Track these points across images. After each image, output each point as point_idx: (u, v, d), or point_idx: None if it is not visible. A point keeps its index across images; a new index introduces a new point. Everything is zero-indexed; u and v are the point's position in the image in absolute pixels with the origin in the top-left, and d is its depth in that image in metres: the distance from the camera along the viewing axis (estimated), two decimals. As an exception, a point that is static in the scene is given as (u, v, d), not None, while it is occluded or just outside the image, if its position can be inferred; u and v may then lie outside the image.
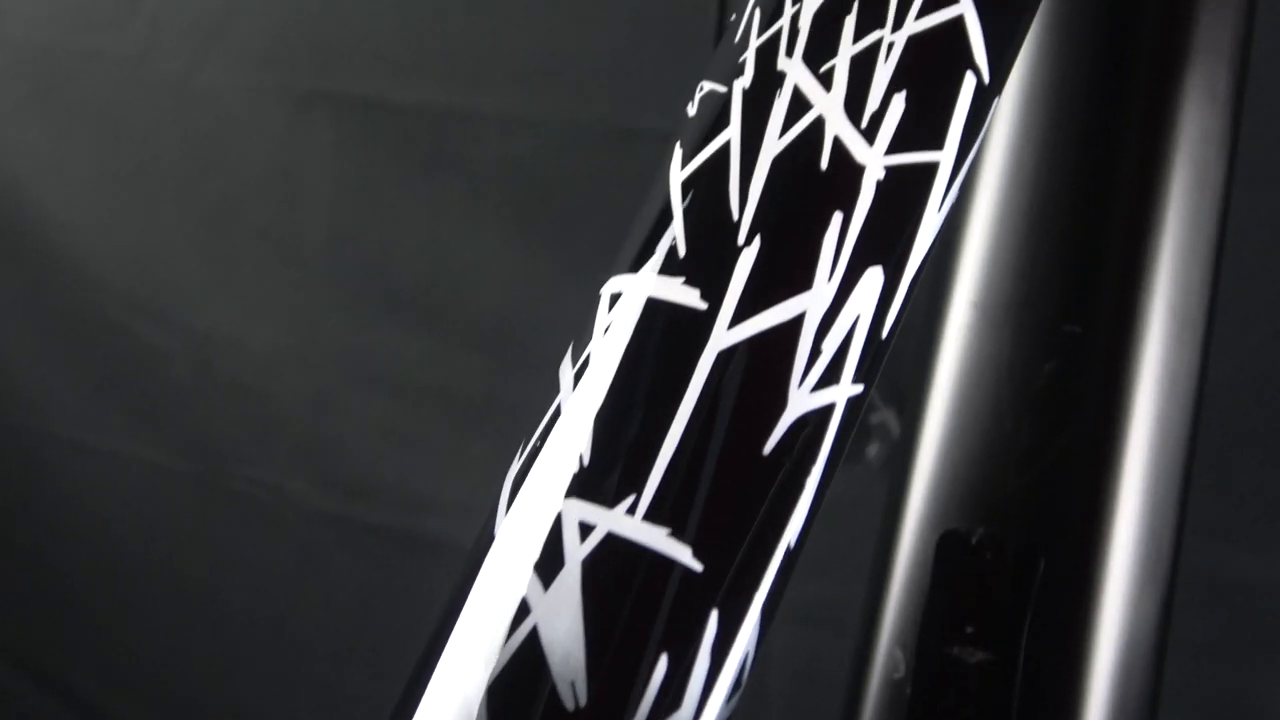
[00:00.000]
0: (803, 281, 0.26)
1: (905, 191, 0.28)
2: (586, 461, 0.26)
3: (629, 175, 1.19)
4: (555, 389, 0.29)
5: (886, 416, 0.88)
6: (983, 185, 0.44)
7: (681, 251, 0.28)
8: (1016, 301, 0.43)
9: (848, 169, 0.27)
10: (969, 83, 0.28)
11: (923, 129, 0.28)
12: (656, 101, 1.08)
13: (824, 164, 0.27)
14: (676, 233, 0.28)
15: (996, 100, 0.29)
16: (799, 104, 0.28)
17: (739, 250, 0.27)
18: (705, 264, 0.27)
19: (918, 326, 0.46)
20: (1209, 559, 0.91)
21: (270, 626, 1.44)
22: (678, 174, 0.29)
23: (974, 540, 0.41)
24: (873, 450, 0.96)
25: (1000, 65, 0.29)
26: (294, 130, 1.30)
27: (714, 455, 0.26)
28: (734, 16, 0.33)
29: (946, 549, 0.41)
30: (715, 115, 0.30)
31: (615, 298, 0.28)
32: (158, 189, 1.40)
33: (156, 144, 1.39)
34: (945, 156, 0.28)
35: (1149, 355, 0.41)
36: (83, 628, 1.55)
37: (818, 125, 0.28)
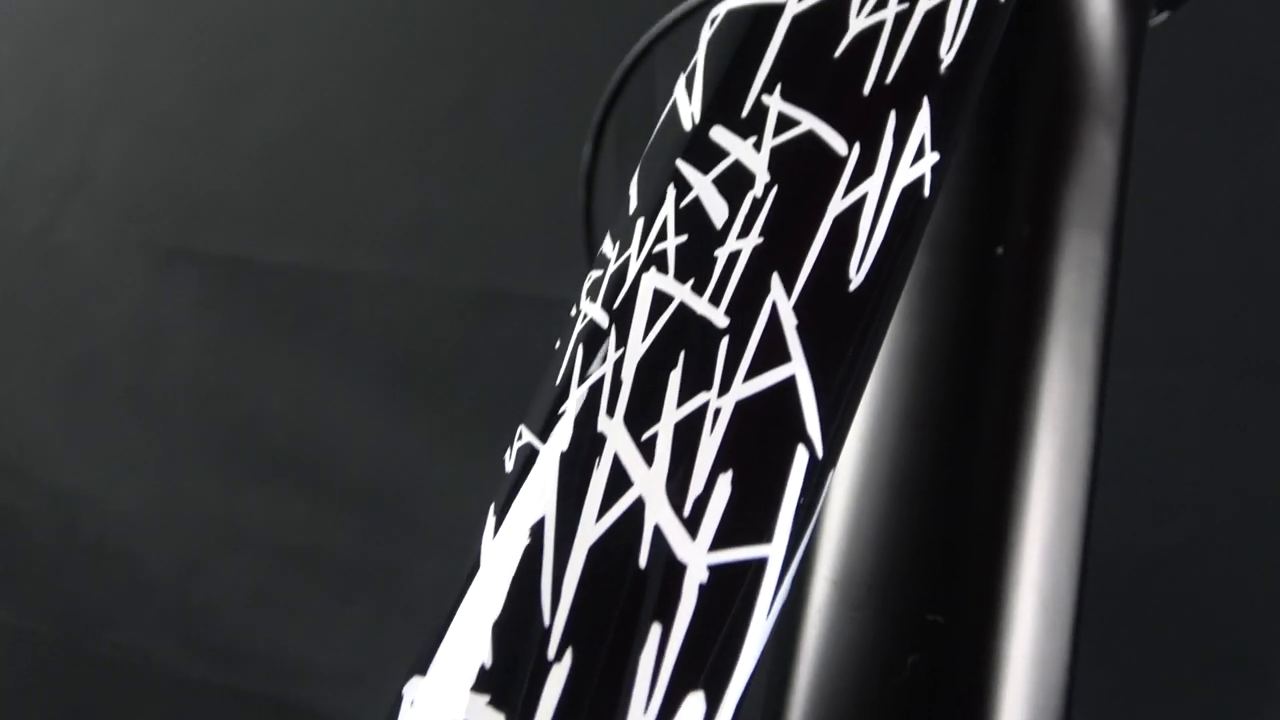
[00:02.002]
0: (617, 713, 0.24)
1: (730, 597, 0.25)
2: None
3: (501, 337, 1.18)
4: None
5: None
6: (843, 456, 0.42)
7: (488, 661, 0.25)
8: (877, 583, 0.40)
9: (669, 569, 0.25)
10: (800, 459, 0.26)
11: (750, 518, 0.25)
12: (528, 265, 1.06)
13: (643, 561, 0.25)
14: (484, 638, 0.25)
15: (831, 475, 0.27)
16: (619, 479, 0.26)
17: (549, 666, 0.24)
18: (513, 681, 0.24)
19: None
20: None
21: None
22: (490, 544, 0.27)
23: None
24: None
25: (835, 436, 0.27)
26: (157, 288, 1.27)
27: None
28: (558, 343, 0.31)
29: None
30: (532, 480, 0.27)
31: (416, 706, 0.25)
32: (16, 345, 1.36)
33: (14, 299, 1.35)
34: (774, 550, 0.25)
35: (1017, 647, 0.39)
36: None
37: (637, 510, 0.25)
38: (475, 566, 0.27)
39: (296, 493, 1.24)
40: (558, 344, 0.30)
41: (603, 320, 0.28)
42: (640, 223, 0.30)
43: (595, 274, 0.30)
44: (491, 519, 0.27)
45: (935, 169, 0.30)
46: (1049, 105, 0.43)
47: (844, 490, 0.41)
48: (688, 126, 0.31)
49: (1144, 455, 0.90)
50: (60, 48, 1.33)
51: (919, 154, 0.29)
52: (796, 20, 0.31)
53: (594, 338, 0.28)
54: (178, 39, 1.28)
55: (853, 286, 0.28)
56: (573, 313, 0.30)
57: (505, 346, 1.11)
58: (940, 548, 0.40)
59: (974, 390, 0.41)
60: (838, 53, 0.30)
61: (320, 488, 1.24)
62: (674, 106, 0.32)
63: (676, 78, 0.34)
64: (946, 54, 0.31)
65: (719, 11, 0.33)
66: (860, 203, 0.28)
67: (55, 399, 1.34)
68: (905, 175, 0.29)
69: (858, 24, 0.30)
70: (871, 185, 0.29)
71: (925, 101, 0.30)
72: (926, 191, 0.30)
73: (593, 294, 0.30)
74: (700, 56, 0.33)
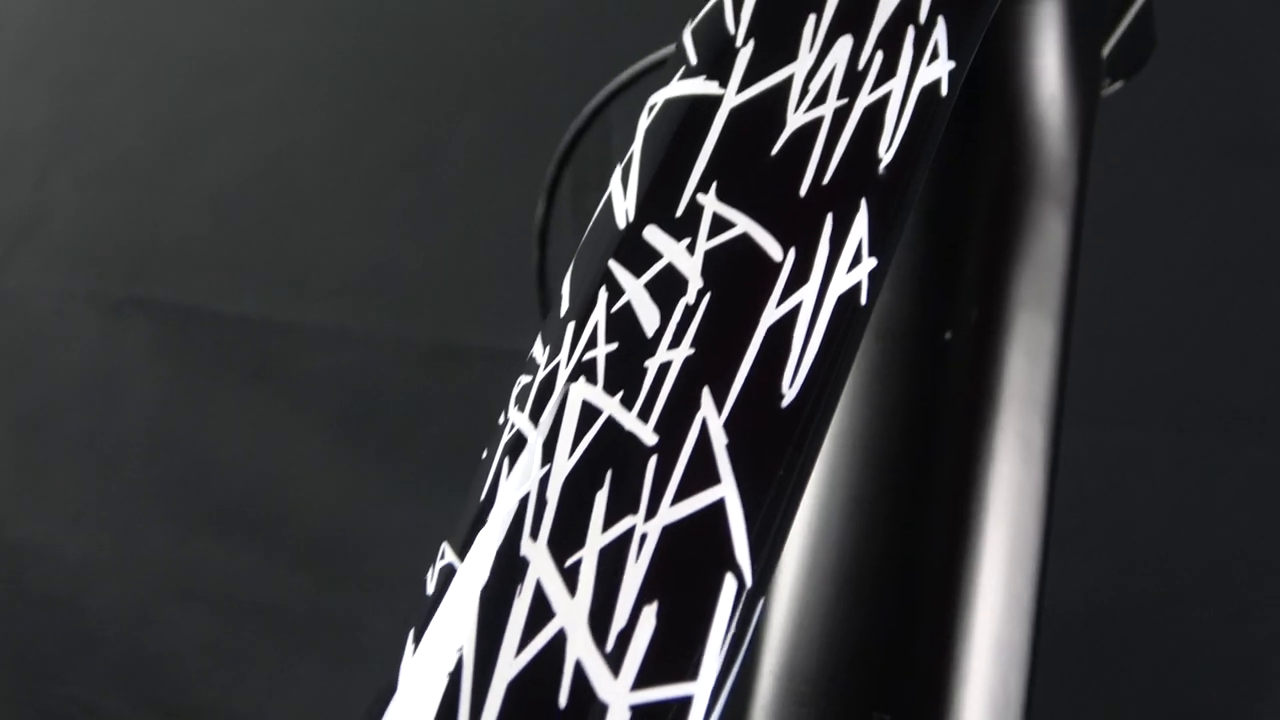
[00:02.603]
0: None
1: None
2: None
3: (455, 391, 1.17)
4: None
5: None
6: (789, 544, 0.41)
7: None
8: (823, 679, 0.39)
9: (590, 709, 0.23)
10: (729, 588, 0.25)
11: (675, 654, 0.24)
12: (483, 318, 1.05)
13: (563, 700, 0.23)
14: None
15: (762, 602, 0.26)
16: (541, 609, 0.24)
17: None
18: None
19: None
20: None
21: None
22: (407, 671, 0.25)
23: None
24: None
25: (765, 562, 0.26)
26: (109, 337, 1.25)
27: None
28: (484, 453, 0.29)
29: None
30: (451, 606, 0.26)
31: None
32: (-36, 394, 1.34)
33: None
34: (700, 689, 0.24)
35: (965, 745, 0.38)
36: None
37: (559, 643, 0.24)
38: (391, 692, 0.25)
39: (249, 544, 1.23)
40: (484, 453, 0.29)
41: (529, 432, 0.27)
42: (571, 327, 0.29)
43: (524, 380, 0.29)
44: (410, 643, 0.26)
45: (873, 275, 0.29)
46: (997, 186, 0.42)
47: (789, 582, 0.40)
48: (621, 224, 0.30)
49: (1104, 513, 0.90)
50: (12, 92, 1.32)
51: (855, 260, 0.28)
52: (734, 113, 0.30)
53: (519, 450, 0.27)
54: (131, 85, 1.27)
55: (785, 402, 0.27)
56: (500, 420, 0.29)
57: (459, 399, 1.10)
58: (887, 642, 0.39)
59: (921, 479, 0.40)
60: (774, 150, 0.29)
61: (273, 539, 1.22)
62: (609, 201, 0.31)
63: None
64: (886, 153, 0.30)
65: (656, 100, 0.32)
66: (794, 312, 0.27)
67: (3, 448, 1.33)
68: (841, 283, 0.28)
69: (795, 120, 0.29)
70: (806, 294, 0.27)
71: (863, 204, 0.29)
72: (863, 299, 0.29)
73: (520, 402, 0.28)
74: (636, 148, 0.32)
